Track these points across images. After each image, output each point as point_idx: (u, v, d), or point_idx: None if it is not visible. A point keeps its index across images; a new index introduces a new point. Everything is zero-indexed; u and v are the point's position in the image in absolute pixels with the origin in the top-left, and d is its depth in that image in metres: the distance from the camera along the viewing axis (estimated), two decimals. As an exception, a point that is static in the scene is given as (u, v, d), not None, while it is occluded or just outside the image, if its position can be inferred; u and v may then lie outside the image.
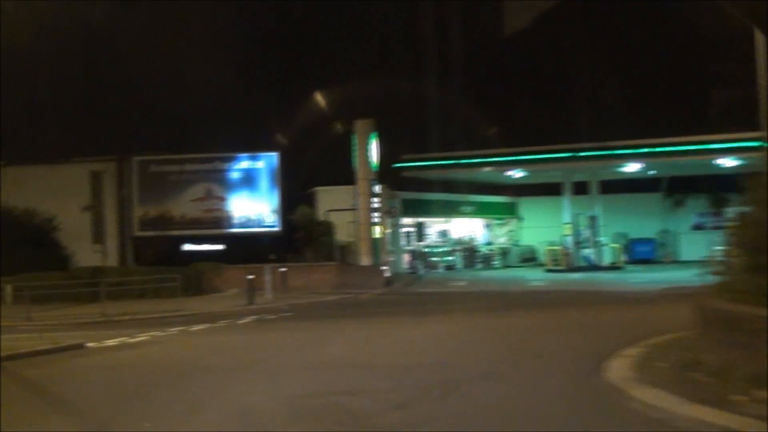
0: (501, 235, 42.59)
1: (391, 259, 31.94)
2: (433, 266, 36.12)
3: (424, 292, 26.87)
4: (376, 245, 29.56)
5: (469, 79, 40.55)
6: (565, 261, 35.41)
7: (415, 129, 35.68)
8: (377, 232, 29.70)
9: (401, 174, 35.04)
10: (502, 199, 42.19)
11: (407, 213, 35.79)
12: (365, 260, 29.01)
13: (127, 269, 28.88)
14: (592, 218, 36.48)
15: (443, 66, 40.30)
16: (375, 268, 28.85)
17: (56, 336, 17.36)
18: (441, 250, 37.65)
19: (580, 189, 36.36)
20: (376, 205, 29.57)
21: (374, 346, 14.09)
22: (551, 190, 41.05)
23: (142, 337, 16.27)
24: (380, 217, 30.03)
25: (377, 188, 30.02)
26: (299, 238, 29.36)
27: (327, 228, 29.89)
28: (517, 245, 41.83)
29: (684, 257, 40.49)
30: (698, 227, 41.29)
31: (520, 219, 42.69)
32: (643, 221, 41.12)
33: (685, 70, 38.02)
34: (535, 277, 32.47)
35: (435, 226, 39.95)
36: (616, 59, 39.02)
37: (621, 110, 37.76)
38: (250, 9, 38.50)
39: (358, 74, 36.33)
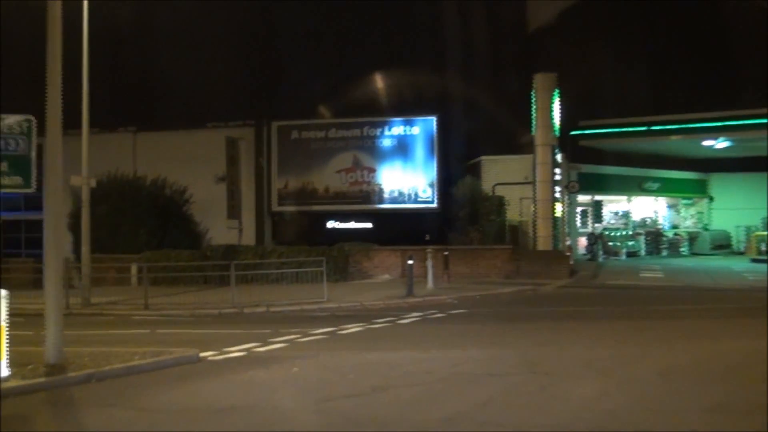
0: (687, 218, 36.58)
1: (568, 242, 26.91)
2: (613, 252, 30.75)
3: (619, 284, 21.76)
4: (555, 226, 24.57)
5: (653, 37, 34.73)
6: (777, 250, 29.33)
7: (591, 93, 30.23)
8: (558, 210, 24.70)
9: (578, 143, 29.83)
10: (691, 176, 36.16)
11: (583, 189, 30.58)
12: (543, 244, 24.05)
13: (263, 248, 25.08)
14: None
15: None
16: (556, 253, 23.90)
17: (169, 335, 13.55)
18: (622, 233, 32.15)
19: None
20: (557, 177, 24.52)
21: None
22: (748, 165, 34.81)
23: (277, 344, 12.08)
24: (561, 192, 25.02)
25: (559, 157, 24.98)
26: (462, 216, 24.70)
27: (496, 204, 24.99)
28: (707, 230, 35.75)
29: None
30: None
31: (710, 199, 36.53)
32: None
33: None
34: (743, 269, 26.66)
35: (613, 205, 34.45)
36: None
37: None
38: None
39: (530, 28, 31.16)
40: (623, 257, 30.96)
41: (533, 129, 24.52)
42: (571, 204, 29.85)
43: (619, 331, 13.35)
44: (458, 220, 24.99)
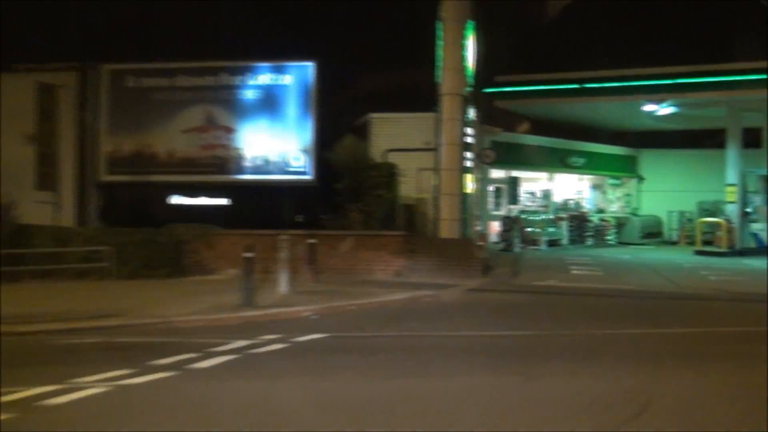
0: (614, 200, 31.32)
1: (478, 228, 21.07)
2: (531, 240, 25.06)
3: (552, 287, 15.98)
4: (465, 207, 18.52)
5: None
6: (726, 239, 24.18)
7: (512, 44, 24.30)
8: (469, 185, 18.64)
9: (493, 104, 23.95)
10: (619, 151, 30.85)
11: (497, 163, 24.83)
12: (447, 229, 17.97)
13: (67, 230, 18.41)
14: (767, 179, 25.19)
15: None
16: (464, 242, 17.85)
17: None
18: (542, 218, 26.48)
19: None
20: (469, 140, 18.45)
21: None
22: (682, 140, 29.77)
23: None
24: (474, 161, 18.97)
25: (472, 113, 18.88)
26: (341, 190, 18.45)
27: (386, 175, 18.68)
28: (636, 215, 30.57)
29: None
30: None
31: (640, 179, 31.37)
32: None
33: None
34: (692, 263, 21.40)
35: (531, 183, 28.81)
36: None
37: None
38: None
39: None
40: (543, 247, 25.35)
41: (438, 75, 18.34)
42: (483, 180, 23.95)
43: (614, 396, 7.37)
44: (337, 196, 18.71)
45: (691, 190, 29.00)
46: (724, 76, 22.08)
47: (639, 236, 29.49)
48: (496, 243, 23.99)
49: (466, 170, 18.08)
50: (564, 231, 26.88)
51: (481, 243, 17.30)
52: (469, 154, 18.07)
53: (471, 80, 18.43)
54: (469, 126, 18.09)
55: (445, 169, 18.07)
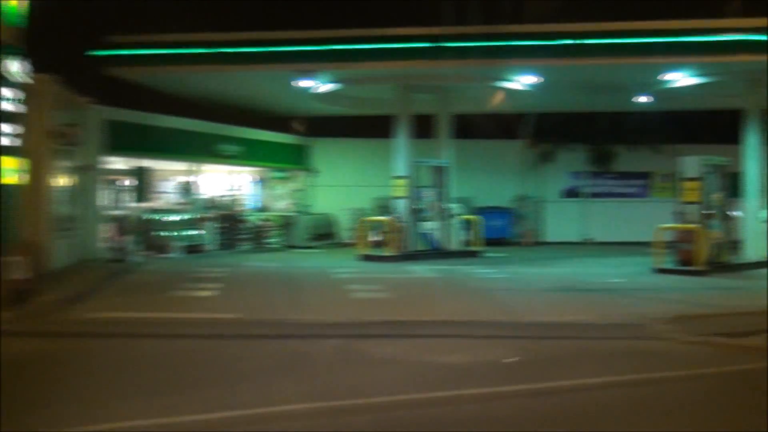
0: (282, 197, 26.93)
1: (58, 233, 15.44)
2: (160, 247, 19.82)
3: (132, 321, 10.80)
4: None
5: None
6: (396, 242, 20.55)
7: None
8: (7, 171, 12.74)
9: (103, 70, 18.34)
10: (286, 139, 26.56)
11: (118, 149, 19.34)
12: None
13: None
14: (440, 170, 21.87)
15: None
16: None
17: None
18: (178, 218, 21.29)
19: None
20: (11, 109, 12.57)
21: None
22: (364, 128, 26.18)
23: None
24: (26, 137, 13.08)
25: (16, 68, 12.91)
26: None
27: None
28: (308, 213, 26.43)
29: (551, 237, 27.32)
30: (571, 193, 28.19)
31: (313, 172, 27.30)
32: (493, 182, 27.42)
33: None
34: (348, 272, 17.28)
35: (171, 177, 23.48)
36: None
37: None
38: None
39: None
40: (177, 254, 20.19)
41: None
42: (89, 169, 18.29)
43: None
44: None
45: (373, 185, 25.36)
46: (386, 43, 18.21)
47: (309, 238, 25.37)
48: (109, 249, 18.46)
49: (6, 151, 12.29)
50: (210, 234, 21.89)
51: (18, 258, 11.61)
52: (6, 128, 12.28)
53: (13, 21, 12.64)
54: (5, 81, 12.28)
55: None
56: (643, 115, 25.10)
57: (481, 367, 8.35)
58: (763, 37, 16.86)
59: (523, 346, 9.49)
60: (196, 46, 18.17)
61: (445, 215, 21.77)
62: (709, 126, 26.50)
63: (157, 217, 20.35)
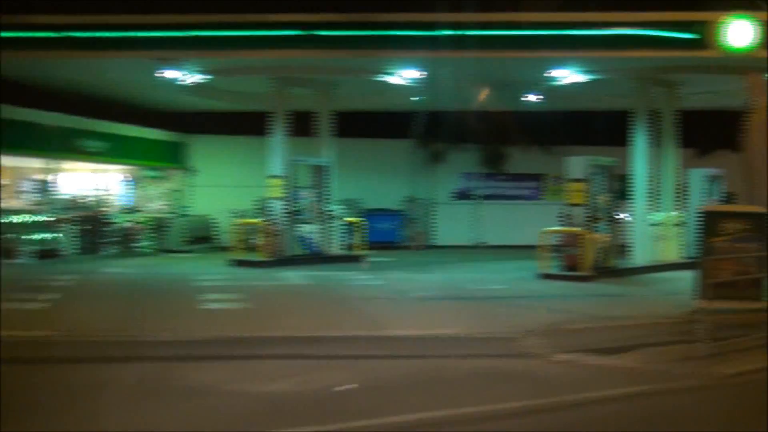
0: (156, 198, 25.13)
1: None
2: (5, 251, 17.87)
3: None
4: None
5: None
6: (270, 246, 19.15)
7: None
8: None
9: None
10: (159, 135, 24.81)
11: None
12: None
13: None
14: (320, 170, 20.56)
15: None
16: None
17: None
18: (28, 220, 19.32)
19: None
20: None
21: None
22: (248, 124, 24.57)
23: None
24: None
25: None
26: None
27: None
28: (184, 215, 24.72)
29: (442, 240, 26.41)
30: (463, 195, 27.34)
31: (191, 172, 25.60)
32: (382, 183, 26.35)
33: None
34: (211, 283, 15.64)
35: (28, 175, 21.44)
36: None
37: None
38: None
39: None
40: (26, 260, 18.27)
41: None
42: None
43: None
44: None
45: (256, 185, 23.76)
46: (254, 30, 16.74)
47: (184, 242, 23.66)
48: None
49: None
50: (68, 237, 20.00)
51: None
52: None
53: None
54: None
55: None
56: (536, 115, 24.36)
57: (303, 398, 7.05)
58: (650, 33, 16.15)
59: (371, 367, 8.28)
60: (40, 29, 16.29)
61: (325, 217, 20.48)
62: (604, 127, 25.97)
63: (2, 218, 18.36)
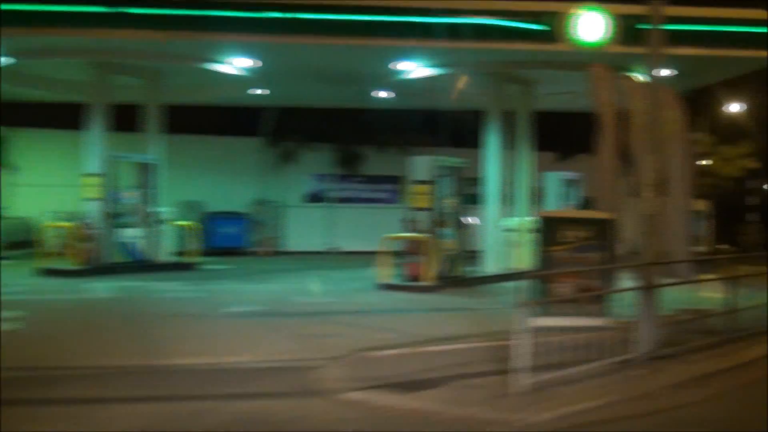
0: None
1: None
2: None
3: None
4: None
5: None
6: (84, 253, 16.98)
7: None
8: None
9: None
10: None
11: None
12: None
13: None
14: (146, 168, 18.45)
15: None
16: None
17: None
18: None
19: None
20: None
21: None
22: (70, 118, 22.07)
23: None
24: None
25: None
26: None
27: None
28: (3, 217, 22.03)
29: (293, 246, 24.71)
30: (315, 198, 25.72)
31: (10, 169, 22.94)
32: (228, 184, 24.46)
33: None
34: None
35: None
36: None
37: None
38: None
39: None
40: None
41: None
42: None
43: None
44: None
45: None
46: (48, 5, 14.49)
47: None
48: None
49: None
50: None
51: None
52: None
53: None
54: None
55: None
56: (391, 113, 22.98)
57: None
58: (498, 23, 14.93)
59: (106, 416, 6.41)
60: None
61: (152, 221, 18.39)
62: (462, 127, 24.83)
63: None
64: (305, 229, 25.05)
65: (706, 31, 15.37)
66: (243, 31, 14.61)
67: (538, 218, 11.23)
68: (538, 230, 10.73)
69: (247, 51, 15.98)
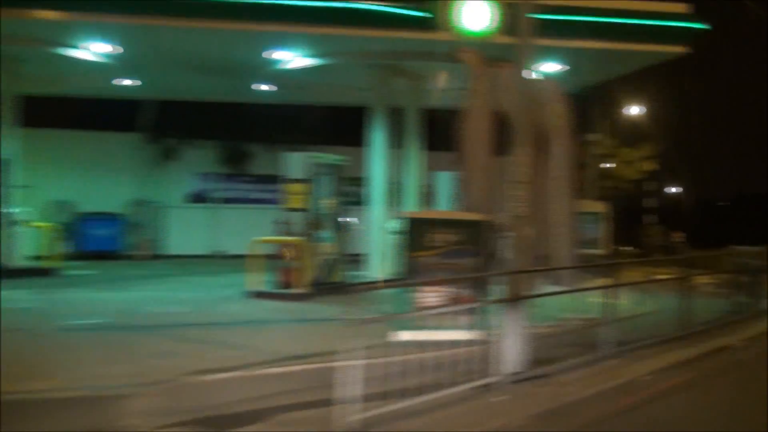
0: None
1: None
2: None
3: None
4: None
5: None
6: None
7: None
8: None
9: None
10: None
11: None
12: None
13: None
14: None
15: None
16: None
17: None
18: None
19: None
20: None
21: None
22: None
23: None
24: None
25: None
26: None
27: None
28: None
29: (174, 249, 23.19)
30: (199, 198, 24.24)
31: None
32: (102, 182, 22.78)
33: None
34: None
35: None
36: None
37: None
38: None
39: None
40: None
41: None
42: None
43: None
44: None
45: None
46: None
47: None
48: None
49: None
50: None
51: None
52: None
53: None
54: None
55: None
56: (275, 108, 21.72)
57: None
58: (376, 8, 13.83)
59: None
60: None
61: (3, 222, 16.65)
62: (351, 124, 23.72)
63: None
64: (188, 231, 23.53)
65: (593, 23, 14.64)
66: (95, 10, 13.10)
67: (401, 219, 10.15)
68: (402, 233, 9.65)
69: (104, 34, 14.43)
